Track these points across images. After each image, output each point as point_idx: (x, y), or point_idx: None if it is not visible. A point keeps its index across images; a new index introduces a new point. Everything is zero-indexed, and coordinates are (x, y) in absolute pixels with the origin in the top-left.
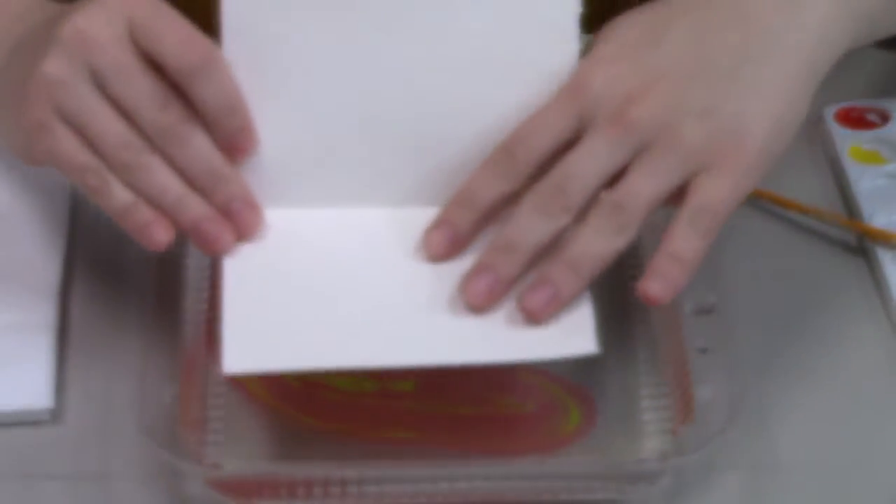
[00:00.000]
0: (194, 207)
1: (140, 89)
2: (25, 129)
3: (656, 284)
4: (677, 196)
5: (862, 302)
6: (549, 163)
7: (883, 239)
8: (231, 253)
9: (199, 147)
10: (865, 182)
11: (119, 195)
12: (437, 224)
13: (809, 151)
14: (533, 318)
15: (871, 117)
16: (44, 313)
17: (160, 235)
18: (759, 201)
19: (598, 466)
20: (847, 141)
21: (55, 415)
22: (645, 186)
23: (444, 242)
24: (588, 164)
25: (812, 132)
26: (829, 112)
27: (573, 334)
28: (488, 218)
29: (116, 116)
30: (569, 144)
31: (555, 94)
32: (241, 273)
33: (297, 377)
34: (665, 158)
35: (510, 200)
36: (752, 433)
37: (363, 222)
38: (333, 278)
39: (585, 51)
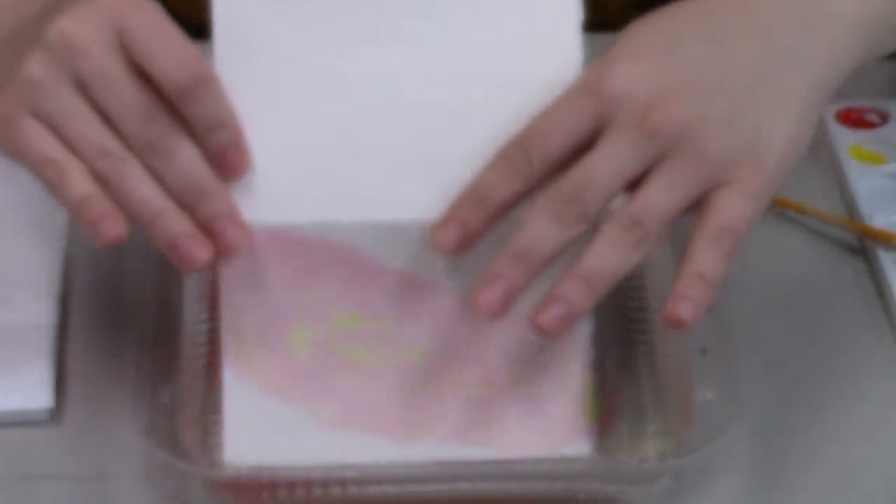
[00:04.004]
0: (171, 223)
1: (126, 100)
2: None
3: (686, 307)
4: (692, 208)
5: (862, 302)
6: (564, 162)
7: (883, 239)
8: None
9: (185, 160)
10: (865, 182)
11: (75, 188)
12: (447, 220)
13: (809, 151)
14: (546, 334)
15: (871, 117)
16: (44, 313)
17: (112, 230)
18: None
19: (598, 466)
20: (847, 141)
21: (55, 415)
22: (663, 199)
23: (455, 240)
24: (607, 170)
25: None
26: (829, 112)
27: (565, 434)
28: (498, 217)
29: (96, 121)
30: (585, 144)
31: (572, 88)
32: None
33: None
34: (686, 170)
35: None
36: (752, 433)
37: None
38: (332, 354)
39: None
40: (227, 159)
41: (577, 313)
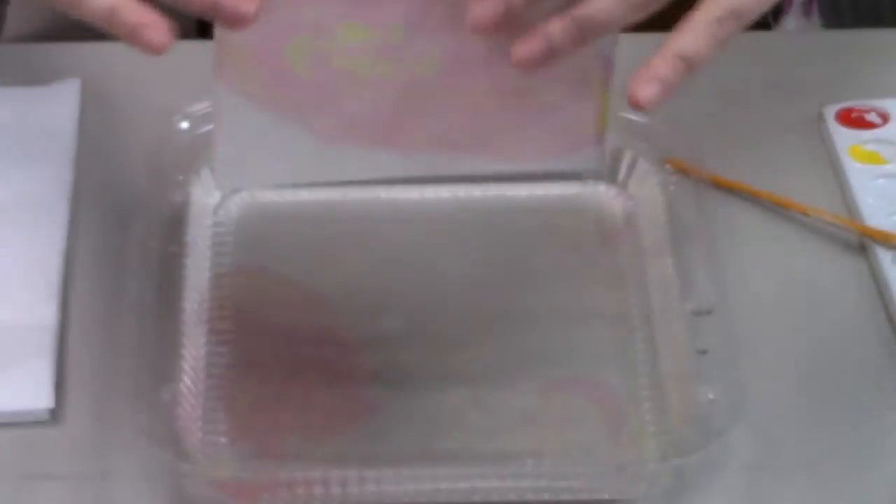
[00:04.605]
0: None
1: None
2: None
3: (648, 89)
4: None
5: (862, 302)
6: None
7: (883, 239)
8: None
9: None
10: (865, 182)
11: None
12: None
13: (809, 151)
14: (521, 66)
15: (871, 117)
16: (44, 313)
17: (155, 36)
18: (759, 201)
19: (599, 466)
20: (847, 141)
21: (55, 415)
22: None
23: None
24: None
25: (812, 132)
26: (829, 112)
27: (576, 141)
28: None
29: None
30: None
31: None
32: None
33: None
34: None
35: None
36: (752, 433)
37: None
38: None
39: None
40: None
41: (556, 55)
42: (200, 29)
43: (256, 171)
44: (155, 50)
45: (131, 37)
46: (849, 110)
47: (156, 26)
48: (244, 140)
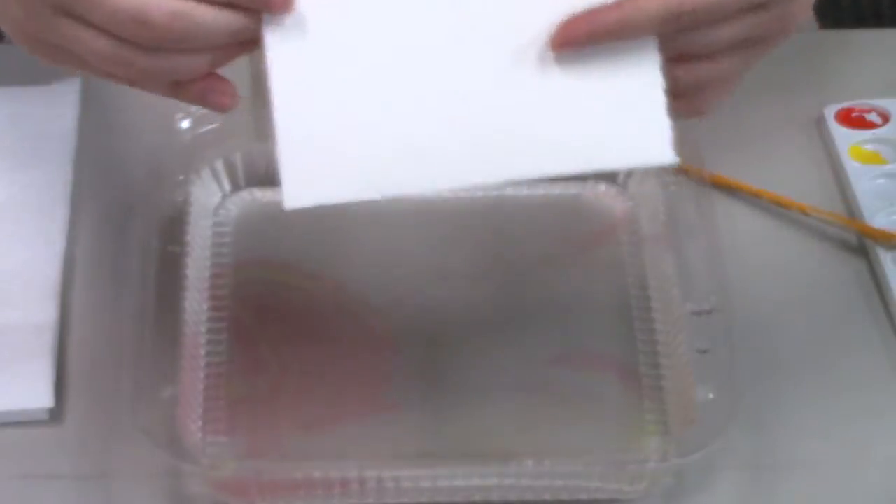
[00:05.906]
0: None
1: None
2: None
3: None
4: None
5: (862, 302)
6: None
7: (883, 239)
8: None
9: None
10: (865, 182)
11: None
12: None
13: (809, 151)
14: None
15: (871, 117)
16: (44, 313)
17: (221, 99)
18: (759, 201)
19: (599, 466)
20: (847, 141)
21: (55, 415)
22: None
23: None
24: None
25: (812, 132)
26: (829, 112)
27: (649, 142)
28: None
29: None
30: None
31: None
32: (290, 79)
33: None
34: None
35: None
36: (752, 433)
37: None
38: (393, 62)
39: None
40: None
41: None
42: None
43: (325, 184)
44: (223, 110)
45: (200, 102)
46: (849, 110)
47: (222, 91)
48: (309, 142)
